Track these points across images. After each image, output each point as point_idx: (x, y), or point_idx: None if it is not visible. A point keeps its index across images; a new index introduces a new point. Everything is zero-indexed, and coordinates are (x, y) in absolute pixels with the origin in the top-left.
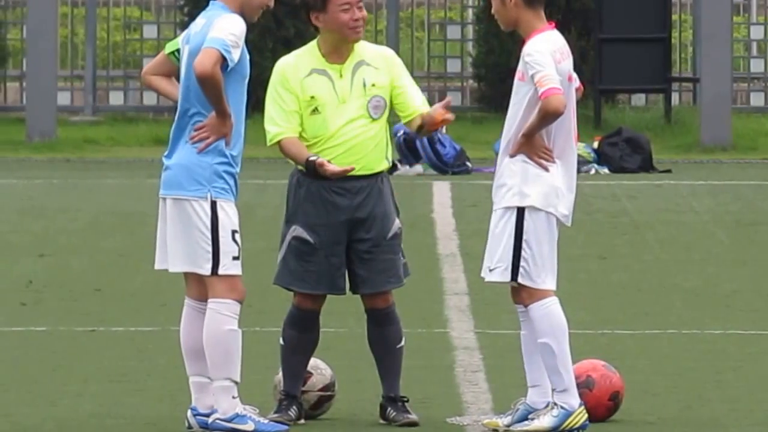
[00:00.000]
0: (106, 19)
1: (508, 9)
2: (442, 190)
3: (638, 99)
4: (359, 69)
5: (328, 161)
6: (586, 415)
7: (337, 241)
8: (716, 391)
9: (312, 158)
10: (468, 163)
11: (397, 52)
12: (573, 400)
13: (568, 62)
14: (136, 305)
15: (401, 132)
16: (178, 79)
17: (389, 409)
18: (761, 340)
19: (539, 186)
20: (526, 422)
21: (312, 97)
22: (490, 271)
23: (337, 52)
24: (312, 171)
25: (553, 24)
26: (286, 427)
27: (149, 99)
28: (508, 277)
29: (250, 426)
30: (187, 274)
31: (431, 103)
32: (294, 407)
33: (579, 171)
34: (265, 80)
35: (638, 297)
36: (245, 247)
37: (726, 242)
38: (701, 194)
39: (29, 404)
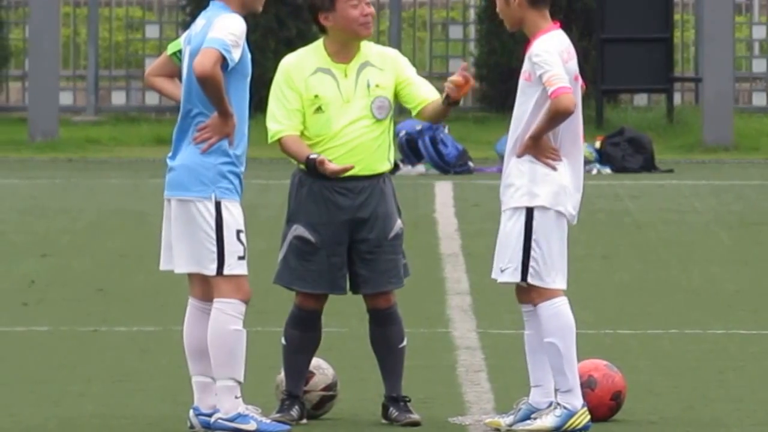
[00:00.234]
0: (109, 18)
1: (512, 9)
2: (444, 190)
3: (640, 99)
4: (364, 69)
5: (329, 160)
6: (589, 416)
7: (339, 240)
8: (718, 390)
9: (312, 156)
10: (470, 163)
11: (400, 52)
12: (576, 400)
13: (574, 62)
14: (138, 305)
15: (403, 132)
16: (180, 79)
17: (391, 408)
18: (763, 340)
19: (548, 185)
20: (528, 421)
21: (316, 96)
22: (502, 271)
23: (344, 51)
24: (312, 169)
25: (558, 24)
26: (288, 427)
27: (151, 99)
28: (518, 278)
29: (253, 426)
30: (191, 274)
31: None
32: (296, 407)
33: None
34: (267, 80)
35: (640, 297)
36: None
37: (728, 242)
38: (703, 194)
39: (32, 404)
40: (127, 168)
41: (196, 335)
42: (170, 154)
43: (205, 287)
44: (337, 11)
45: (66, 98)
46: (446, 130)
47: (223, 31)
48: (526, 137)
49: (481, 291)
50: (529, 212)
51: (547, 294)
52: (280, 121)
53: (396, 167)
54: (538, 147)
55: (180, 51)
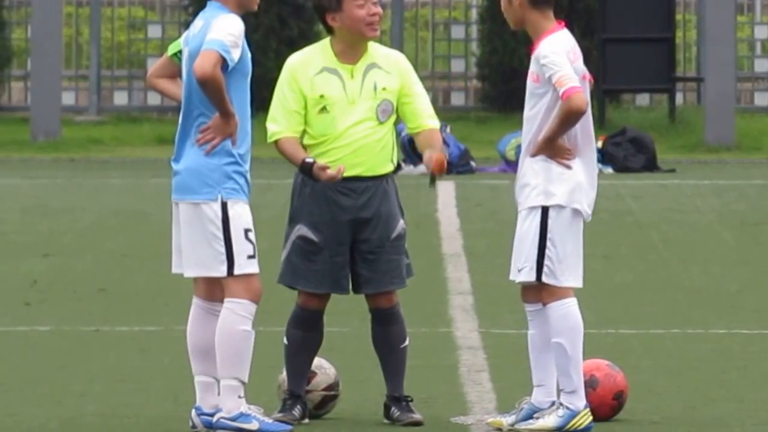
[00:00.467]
0: (111, 18)
1: (514, 8)
2: (446, 189)
3: (642, 99)
4: (371, 71)
5: (324, 166)
6: (591, 417)
7: (342, 240)
8: (721, 390)
9: (308, 160)
10: (472, 163)
11: (402, 52)
12: (579, 401)
13: (580, 62)
14: (140, 305)
15: (405, 132)
16: (182, 79)
17: (393, 408)
18: (765, 340)
19: (564, 184)
20: (530, 421)
21: (321, 96)
22: (518, 271)
23: (351, 52)
24: (307, 173)
25: (563, 23)
26: (290, 427)
27: (153, 99)
28: (533, 277)
29: (255, 425)
30: None
31: (434, 103)
32: (298, 407)
33: None
34: (269, 80)
35: (642, 296)
36: None
37: (730, 242)
38: (705, 194)
39: (34, 404)
40: (129, 168)
41: (200, 335)
42: (174, 157)
43: (209, 287)
44: (344, 11)
45: (68, 98)
46: (448, 130)
47: (222, 32)
48: (539, 139)
49: (483, 291)
50: (545, 211)
51: (558, 294)
52: (279, 121)
53: (398, 167)
54: (553, 149)
55: (180, 52)
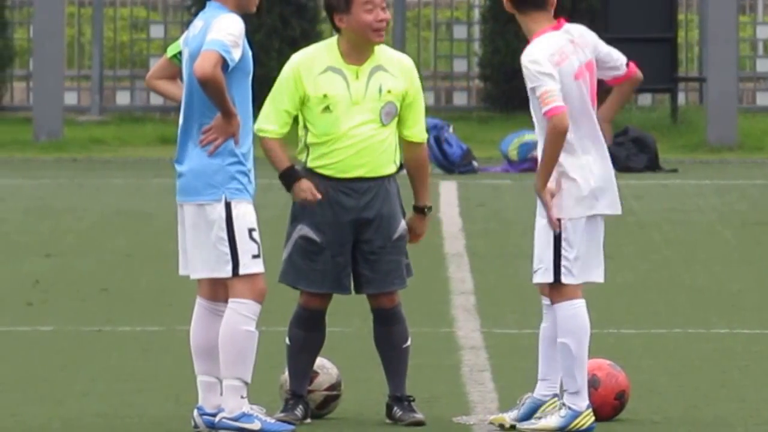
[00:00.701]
0: (113, 18)
1: (507, 7)
2: (448, 189)
3: (644, 98)
4: (376, 73)
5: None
6: (594, 418)
7: (343, 241)
8: (722, 390)
9: (293, 170)
10: (474, 163)
11: (404, 52)
12: (582, 402)
13: (572, 59)
14: (142, 305)
15: None
16: (182, 80)
17: (395, 408)
18: (767, 339)
19: (571, 199)
20: (533, 421)
21: (324, 96)
22: (534, 272)
23: (357, 53)
24: (286, 181)
25: (562, 22)
26: (292, 427)
27: (156, 99)
28: (550, 278)
29: (257, 425)
30: None
31: (437, 103)
32: (300, 407)
33: None
34: (271, 80)
35: (644, 296)
36: None
37: (732, 242)
38: (707, 194)
39: (36, 403)
40: (132, 168)
41: (203, 335)
42: (176, 158)
43: (213, 287)
44: (352, 14)
45: (70, 98)
46: (450, 130)
47: (222, 32)
48: (538, 169)
49: (486, 291)
50: (558, 221)
51: (567, 294)
52: (268, 117)
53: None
54: (549, 175)
55: (180, 53)
